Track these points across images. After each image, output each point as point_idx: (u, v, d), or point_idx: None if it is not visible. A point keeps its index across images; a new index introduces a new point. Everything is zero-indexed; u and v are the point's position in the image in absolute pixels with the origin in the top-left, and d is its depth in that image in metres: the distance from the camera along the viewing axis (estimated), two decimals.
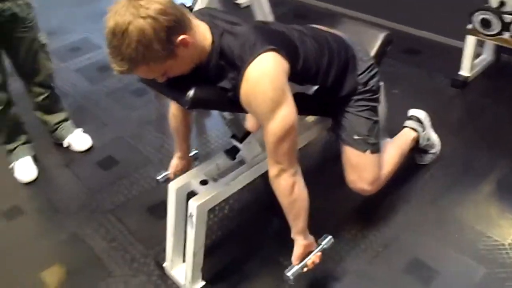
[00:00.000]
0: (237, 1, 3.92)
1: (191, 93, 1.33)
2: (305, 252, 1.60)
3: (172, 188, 1.67)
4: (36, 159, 2.47)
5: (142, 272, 1.89)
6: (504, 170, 2.16)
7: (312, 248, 1.62)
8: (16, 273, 1.95)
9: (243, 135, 1.65)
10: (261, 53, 1.31)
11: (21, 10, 2.12)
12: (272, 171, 1.47)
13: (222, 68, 1.37)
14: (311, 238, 1.62)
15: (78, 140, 2.56)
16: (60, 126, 2.55)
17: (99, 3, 4.39)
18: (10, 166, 2.43)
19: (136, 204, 2.22)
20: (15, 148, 2.42)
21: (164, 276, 1.86)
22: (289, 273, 1.56)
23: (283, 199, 1.52)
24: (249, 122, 1.95)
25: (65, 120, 2.58)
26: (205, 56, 1.36)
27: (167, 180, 1.88)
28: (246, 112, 1.46)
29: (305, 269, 1.59)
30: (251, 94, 1.33)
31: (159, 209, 2.14)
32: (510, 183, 2.10)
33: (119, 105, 2.94)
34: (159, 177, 1.91)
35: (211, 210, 2.04)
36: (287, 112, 1.36)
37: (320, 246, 1.63)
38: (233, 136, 1.68)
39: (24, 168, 2.39)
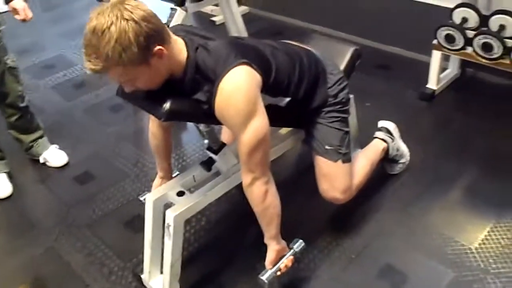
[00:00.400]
0: (212, 18, 4.00)
1: (167, 105, 1.37)
2: (278, 256, 1.66)
3: (150, 199, 1.70)
4: (10, 176, 2.46)
5: (120, 285, 1.91)
6: (471, 178, 2.25)
7: (285, 252, 1.68)
8: None
9: (219, 147, 1.70)
10: (234, 66, 1.37)
11: None
12: (246, 180, 1.53)
13: (197, 81, 1.42)
14: (283, 243, 1.68)
15: (54, 156, 2.56)
16: (36, 143, 2.55)
17: (73, 22, 4.42)
18: None
19: (112, 218, 2.23)
20: None
21: (142, 287, 1.87)
22: (264, 277, 1.62)
23: (256, 207, 1.58)
24: (224, 134, 2.01)
25: (40, 137, 2.57)
26: (180, 70, 1.41)
27: None
28: (221, 124, 1.51)
29: (278, 273, 1.65)
30: (225, 107, 1.38)
31: (136, 223, 2.17)
32: (476, 191, 2.19)
33: (96, 121, 2.96)
34: (141, 198, 1.92)
35: (188, 222, 2.08)
36: (259, 123, 1.42)
37: (292, 250, 1.70)
38: (209, 148, 1.72)
39: None
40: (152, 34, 1.27)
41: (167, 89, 1.42)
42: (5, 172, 2.44)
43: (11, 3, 2.25)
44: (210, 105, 1.41)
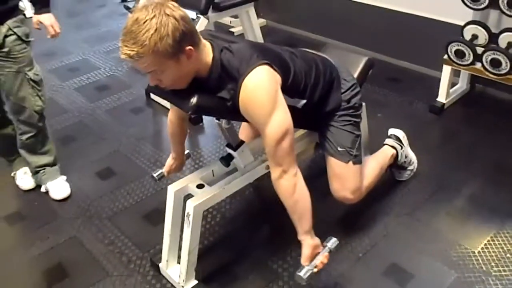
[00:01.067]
0: (231, 29, 4.15)
1: (194, 100, 1.49)
2: (313, 252, 1.66)
3: (171, 190, 1.82)
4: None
5: (138, 272, 2.01)
6: (475, 187, 2.34)
7: (319, 249, 1.68)
8: (18, 273, 2.06)
9: (237, 144, 1.80)
10: (256, 66, 1.49)
11: (8, 41, 2.07)
12: (274, 174, 1.60)
13: (222, 80, 1.54)
14: (317, 239, 1.69)
15: (57, 188, 2.43)
16: (42, 170, 2.42)
17: (96, 29, 4.62)
18: (12, 174, 2.54)
19: (132, 211, 2.35)
20: (15, 159, 2.50)
21: (159, 276, 1.98)
22: (301, 273, 1.61)
23: (286, 200, 1.63)
24: (243, 133, 2.13)
25: (49, 165, 2.44)
26: (206, 70, 1.54)
27: (162, 177, 2.06)
28: (243, 121, 1.63)
29: (315, 269, 1.64)
30: (249, 102, 1.50)
31: (154, 216, 2.28)
32: (480, 199, 2.28)
33: (117, 122, 3.09)
34: (155, 174, 2.05)
35: (204, 217, 2.19)
36: (282, 115, 1.52)
37: (327, 247, 1.69)
38: (228, 145, 1.83)
39: (24, 177, 2.50)
40: (187, 33, 1.41)
41: (193, 87, 1.54)
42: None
43: (39, 17, 2.20)
44: (234, 102, 1.53)
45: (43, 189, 2.47)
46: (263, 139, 1.57)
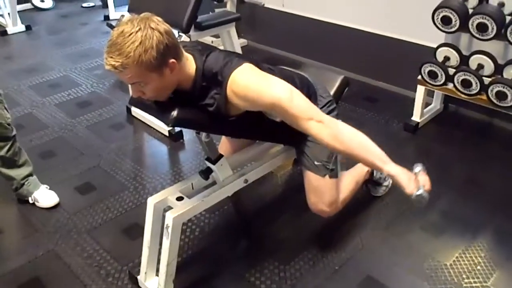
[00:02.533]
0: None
1: (174, 113, 1.54)
2: (409, 175, 1.56)
3: (151, 202, 1.84)
4: None
5: (116, 285, 2.01)
6: (448, 202, 2.42)
7: (409, 173, 1.57)
8: None
9: (216, 158, 1.85)
10: (240, 65, 1.56)
11: None
12: (314, 131, 1.55)
13: (205, 88, 1.59)
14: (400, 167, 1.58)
15: (44, 196, 2.47)
16: (27, 181, 2.45)
17: (79, 46, 4.65)
18: None
19: (111, 225, 2.35)
20: None
21: None
22: (420, 192, 1.51)
23: (342, 147, 1.56)
24: (222, 147, 2.17)
25: (31, 174, 2.48)
26: (189, 82, 1.58)
27: None
28: (223, 133, 1.66)
29: (426, 187, 1.53)
30: (244, 88, 1.53)
31: (133, 231, 2.29)
32: (452, 213, 2.35)
33: (98, 137, 3.10)
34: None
35: (183, 231, 2.22)
36: (278, 81, 1.57)
37: (419, 169, 1.58)
38: (207, 159, 1.87)
39: None
40: (171, 47, 1.46)
41: (176, 99, 1.59)
42: None
43: None
44: (218, 105, 1.58)
45: (31, 200, 2.48)
46: (278, 111, 1.56)
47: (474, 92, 2.68)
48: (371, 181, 2.38)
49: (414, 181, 1.54)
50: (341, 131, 1.58)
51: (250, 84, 1.54)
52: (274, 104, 1.54)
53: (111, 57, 1.42)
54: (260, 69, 1.65)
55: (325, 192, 1.98)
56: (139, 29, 1.41)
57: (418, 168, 1.60)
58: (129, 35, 1.40)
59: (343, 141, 1.57)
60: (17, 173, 2.42)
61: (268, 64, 1.91)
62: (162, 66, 1.47)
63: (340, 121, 1.61)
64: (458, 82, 2.72)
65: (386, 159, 1.59)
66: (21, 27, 5.05)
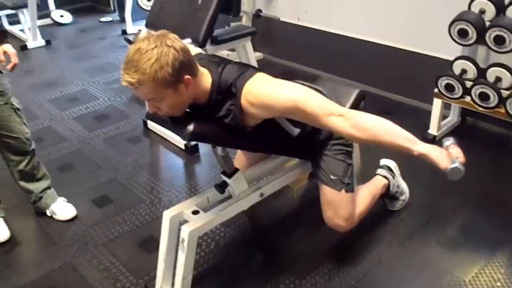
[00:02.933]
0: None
1: (190, 127, 1.55)
2: (440, 151, 1.57)
3: (166, 216, 1.85)
4: (6, 221, 2.42)
5: None
6: (466, 217, 2.39)
7: (440, 148, 1.58)
8: None
9: (232, 172, 1.85)
10: (252, 75, 1.58)
11: None
12: (334, 125, 1.54)
13: (220, 101, 1.60)
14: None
15: (62, 209, 2.50)
16: (45, 194, 2.48)
17: (96, 60, 4.72)
18: None
19: (128, 239, 2.36)
20: None
21: None
22: (456, 165, 1.51)
23: (367, 135, 1.55)
24: (238, 161, 2.18)
25: (49, 188, 2.51)
26: (205, 96, 1.60)
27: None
28: (238, 147, 1.67)
29: (461, 160, 1.54)
30: (259, 96, 1.55)
31: (149, 244, 2.30)
32: (471, 228, 2.32)
33: (115, 151, 3.14)
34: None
35: (198, 245, 2.22)
36: (292, 84, 1.61)
37: (450, 142, 1.60)
38: (223, 172, 1.88)
39: None
40: (186, 63, 1.48)
41: (192, 113, 1.60)
42: (1, 217, 2.41)
43: (3, 46, 2.21)
44: (234, 116, 1.59)
45: (49, 213, 2.50)
46: (298, 113, 1.56)
47: (492, 105, 2.66)
48: (388, 195, 2.36)
49: (447, 155, 1.53)
50: (362, 120, 1.56)
51: (264, 91, 1.56)
52: (291, 107, 1.54)
53: (128, 74, 1.44)
54: None
55: (341, 207, 1.97)
56: (155, 46, 1.43)
57: (448, 141, 1.59)
58: (146, 52, 1.42)
59: (366, 130, 1.55)
60: (36, 186, 2.46)
61: (283, 78, 1.92)
62: (177, 83, 1.48)
63: (364, 113, 1.58)
64: (475, 95, 2.70)
65: (413, 139, 1.57)
66: (41, 42, 5.16)
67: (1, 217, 2.42)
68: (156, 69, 1.42)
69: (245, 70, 1.61)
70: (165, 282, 1.94)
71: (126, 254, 2.26)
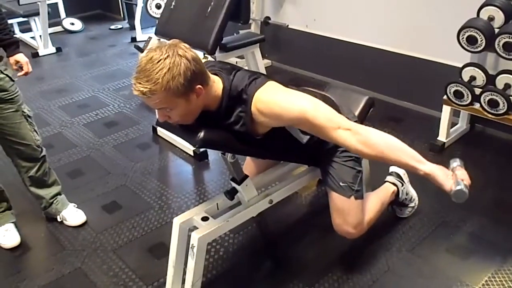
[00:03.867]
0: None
1: (201, 134, 1.56)
2: (447, 174, 1.57)
3: (176, 222, 1.86)
4: (17, 226, 2.45)
5: None
6: (475, 225, 2.37)
7: (445, 169, 1.59)
8: None
9: (242, 178, 1.86)
10: (263, 83, 1.59)
11: (3, 82, 2.15)
12: (341, 138, 1.56)
13: (231, 107, 1.62)
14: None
15: (73, 215, 2.52)
16: (55, 200, 2.51)
17: (107, 67, 4.76)
18: None
19: (137, 244, 2.38)
20: None
21: None
22: (461, 187, 1.52)
23: (374, 152, 1.57)
24: (247, 168, 2.19)
25: (59, 193, 2.54)
26: (216, 103, 1.61)
27: None
28: (248, 154, 1.68)
29: (466, 182, 1.55)
30: (269, 104, 1.56)
31: (159, 250, 2.31)
32: (480, 236, 2.31)
33: (124, 157, 3.16)
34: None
35: (208, 251, 2.22)
36: (302, 95, 1.61)
37: (457, 164, 1.60)
38: (232, 179, 1.89)
39: (7, 235, 2.39)
40: (198, 73, 1.49)
41: (202, 120, 1.61)
42: (12, 222, 2.44)
43: (16, 56, 2.29)
44: (244, 123, 1.60)
45: (59, 219, 2.52)
46: (306, 124, 1.56)
47: (502, 112, 2.65)
48: (397, 202, 2.35)
49: (452, 176, 1.54)
50: (370, 136, 1.57)
51: (275, 100, 1.57)
52: (300, 118, 1.55)
53: (140, 83, 1.45)
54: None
55: (350, 214, 1.97)
56: (168, 56, 1.44)
57: (455, 163, 1.59)
58: (158, 62, 1.43)
59: (373, 146, 1.56)
60: (46, 192, 2.48)
61: (292, 85, 1.93)
62: (189, 92, 1.50)
63: (368, 127, 1.60)
64: (484, 102, 2.69)
65: (420, 158, 1.58)
66: (52, 49, 5.22)
67: (12, 222, 2.45)
68: (168, 79, 1.44)
69: (257, 77, 1.63)
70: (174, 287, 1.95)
71: (135, 260, 2.27)
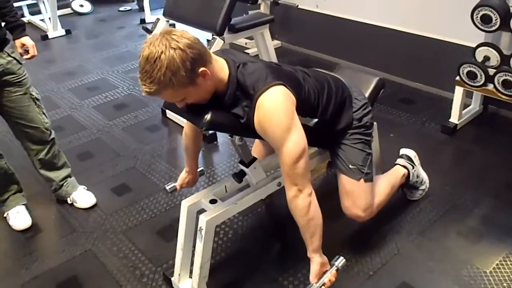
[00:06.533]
0: (246, 51, 4.23)
1: (208, 116, 1.54)
2: (321, 270, 1.71)
3: (185, 205, 1.86)
4: (28, 208, 2.48)
5: (150, 286, 2.04)
6: (487, 207, 2.35)
7: (327, 267, 1.73)
8: (33, 285, 2.11)
9: (250, 161, 1.85)
10: (272, 85, 1.54)
11: (11, 65, 2.15)
12: (290, 193, 1.63)
13: (237, 97, 1.59)
14: (325, 258, 1.74)
15: (83, 197, 2.54)
16: (66, 182, 2.52)
17: (116, 49, 4.75)
18: (4, 215, 2.45)
19: (146, 226, 2.39)
20: (7, 198, 2.43)
21: None
22: (315, 285, 1.68)
23: (300, 219, 1.66)
24: (256, 150, 2.18)
25: (69, 176, 2.55)
26: (223, 86, 1.59)
27: (174, 190, 2.12)
28: (256, 137, 1.67)
29: (323, 287, 1.69)
30: (266, 122, 1.54)
31: (168, 232, 2.32)
32: (492, 219, 2.28)
33: (133, 139, 3.16)
34: (167, 187, 2.11)
35: (216, 234, 2.23)
36: (298, 136, 1.56)
37: (335, 266, 1.74)
38: (241, 162, 1.88)
39: (18, 217, 2.41)
40: (196, 58, 1.45)
41: (209, 103, 1.59)
42: (23, 204, 2.46)
43: (22, 39, 2.27)
44: (248, 119, 1.57)
45: (69, 201, 2.54)
46: (280, 158, 1.60)
47: None
48: (407, 185, 2.32)
49: (319, 274, 1.71)
50: (310, 207, 1.65)
51: (273, 119, 1.54)
52: (280, 151, 1.57)
53: (145, 85, 1.44)
54: (294, 81, 1.66)
55: (359, 196, 1.95)
56: (162, 52, 1.40)
57: (338, 261, 1.75)
58: (154, 61, 1.40)
59: (307, 216, 1.66)
60: (56, 175, 2.49)
61: (303, 67, 1.90)
62: (194, 78, 1.47)
63: (314, 197, 1.68)
64: (498, 83, 2.64)
65: (319, 247, 1.73)
66: (61, 32, 5.20)
67: (23, 204, 2.47)
68: (170, 76, 1.41)
69: (267, 74, 1.57)
70: (183, 270, 1.96)
71: (145, 242, 2.29)
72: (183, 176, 2.12)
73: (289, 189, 1.63)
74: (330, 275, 1.71)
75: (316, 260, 1.71)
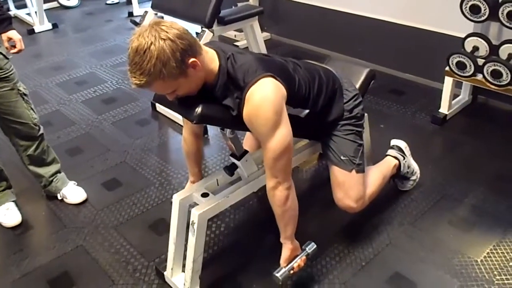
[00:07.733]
0: (236, 43, 4.21)
1: (198, 109, 1.53)
2: (292, 255, 1.81)
3: (176, 199, 1.85)
4: (17, 205, 2.45)
5: (143, 281, 2.03)
6: (478, 197, 2.36)
7: (298, 252, 1.83)
8: (24, 282, 2.09)
9: (241, 154, 1.84)
10: (262, 77, 1.53)
11: None
12: (270, 184, 1.67)
13: (228, 88, 1.58)
14: (297, 243, 1.83)
15: (73, 192, 2.51)
16: (55, 178, 2.49)
17: (104, 43, 4.70)
18: None
19: (138, 221, 2.37)
20: None
21: (164, 284, 2.00)
22: (278, 274, 1.78)
23: (277, 208, 1.72)
24: (247, 143, 2.17)
25: (59, 172, 2.52)
26: (213, 77, 1.58)
27: None
28: (247, 130, 1.66)
29: (291, 271, 1.80)
30: (254, 115, 1.54)
31: (159, 227, 2.31)
32: (482, 208, 2.30)
33: (123, 133, 3.14)
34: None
35: (208, 227, 2.22)
36: (284, 132, 1.57)
37: (305, 251, 1.85)
38: (232, 155, 1.87)
39: (8, 213, 2.39)
40: (186, 48, 1.44)
41: (199, 95, 1.58)
42: (13, 201, 2.44)
43: (8, 33, 2.22)
44: (238, 111, 1.56)
45: (59, 197, 2.52)
46: (263, 152, 1.62)
47: (505, 83, 2.61)
48: (398, 175, 2.33)
49: (289, 259, 1.81)
50: (287, 199, 1.70)
51: (260, 114, 1.53)
52: (265, 146, 1.59)
53: (135, 77, 1.43)
54: (285, 72, 1.65)
55: (351, 187, 1.96)
56: (151, 43, 1.38)
57: (309, 246, 1.86)
58: (144, 52, 1.38)
59: (283, 207, 1.71)
60: (46, 170, 2.47)
61: (293, 58, 1.89)
62: (185, 69, 1.46)
63: (293, 190, 1.73)
64: (487, 73, 2.65)
65: (291, 235, 1.80)
66: (48, 26, 5.13)
67: (13, 201, 2.44)
68: (160, 67, 1.40)
69: (258, 66, 1.57)
70: (176, 264, 1.95)
71: (136, 237, 2.27)
72: (188, 187, 2.03)
73: (269, 179, 1.67)
74: (299, 261, 1.81)
75: (288, 245, 1.80)
